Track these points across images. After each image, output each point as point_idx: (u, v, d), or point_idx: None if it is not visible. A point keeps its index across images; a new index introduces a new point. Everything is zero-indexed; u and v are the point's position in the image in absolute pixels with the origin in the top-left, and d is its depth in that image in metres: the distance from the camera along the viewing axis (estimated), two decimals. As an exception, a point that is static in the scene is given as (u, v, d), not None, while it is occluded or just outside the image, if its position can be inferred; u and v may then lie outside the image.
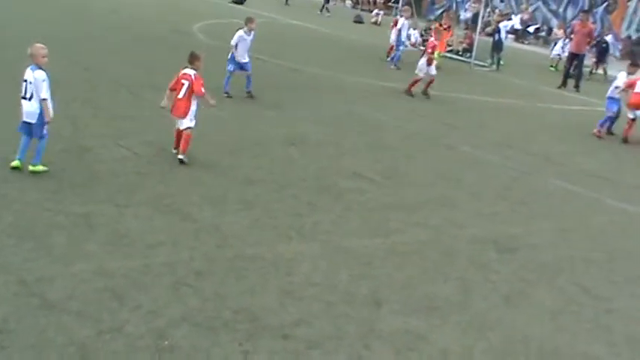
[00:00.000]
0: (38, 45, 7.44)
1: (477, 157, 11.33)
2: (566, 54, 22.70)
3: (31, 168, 7.44)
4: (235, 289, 5.71)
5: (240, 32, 12.73)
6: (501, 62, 23.90)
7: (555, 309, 6.30)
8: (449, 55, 23.53)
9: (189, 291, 5.54)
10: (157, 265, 5.90)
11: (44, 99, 7.34)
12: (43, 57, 7.39)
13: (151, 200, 7.30)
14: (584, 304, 6.52)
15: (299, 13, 32.31)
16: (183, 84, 8.60)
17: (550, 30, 34.40)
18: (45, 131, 7.50)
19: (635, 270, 7.59)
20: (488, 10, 28.28)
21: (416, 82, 15.85)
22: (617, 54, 30.29)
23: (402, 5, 26.81)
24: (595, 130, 14.59)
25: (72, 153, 8.35)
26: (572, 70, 21.29)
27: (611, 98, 14.75)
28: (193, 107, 8.68)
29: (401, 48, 20.35)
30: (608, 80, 21.52)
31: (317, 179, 8.87)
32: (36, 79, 7.30)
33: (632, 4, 32.66)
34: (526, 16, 35.82)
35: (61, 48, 13.84)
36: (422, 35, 24.00)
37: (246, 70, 12.88)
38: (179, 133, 8.70)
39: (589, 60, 24.43)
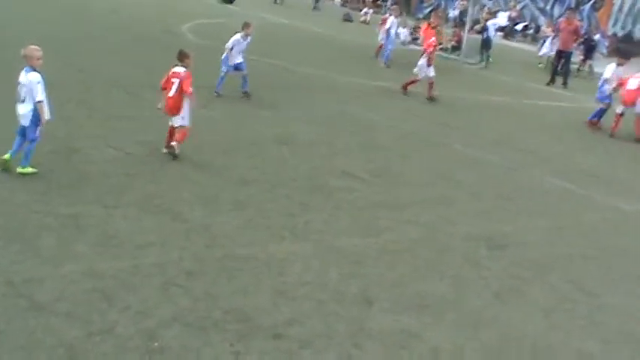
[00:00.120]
0: (33, 47, 7.26)
1: (470, 155, 11.31)
2: (554, 52, 22.92)
3: (19, 170, 7.34)
4: (227, 289, 5.65)
5: (237, 36, 12.66)
6: (490, 59, 24.01)
7: (549, 306, 6.28)
8: (438, 53, 23.52)
9: (179, 291, 5.48)
10: (147, 265, 5.84)
11: (40, 101, 7.18)
12: (38, 59, 7.20)
13: (141, 200, 7.22)
14: (578, 300, 6.51)
15: (289, 12, 32.27)
16: (173, 82, 8.57)
17: (538, 28, 34.56)
18: (37, 133, 7.36)
19: (628, 267, 7.60)
20: (477, 7, 28.32)
21: (413, 82, 15.63)
22: (604, 51, 30.47)
23: (392, 4, 26.83)
24: (587, 121, 15.06)
25: (61, 154, 8.25)
26: (560, 67, 21.52)
27: (602, 92, 14.96)
28: (186, 105, 8.63)
29: (390, 47, 20.33)
30: (593, 77, 21.70)
31: (309, 179, 8.82)
32: (30, 81, 7.13)
33: (617, 2, 32.83)
34: (514, 14, 35.97)
35: (60, 48, 13.80)
36: (411, 33, 24.04)
37: (241, 70, 12.80)
38: (172, 130, 8.67)
39: (576, 57, 24.65)
